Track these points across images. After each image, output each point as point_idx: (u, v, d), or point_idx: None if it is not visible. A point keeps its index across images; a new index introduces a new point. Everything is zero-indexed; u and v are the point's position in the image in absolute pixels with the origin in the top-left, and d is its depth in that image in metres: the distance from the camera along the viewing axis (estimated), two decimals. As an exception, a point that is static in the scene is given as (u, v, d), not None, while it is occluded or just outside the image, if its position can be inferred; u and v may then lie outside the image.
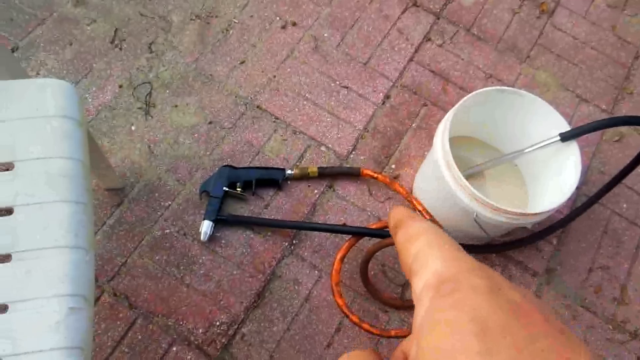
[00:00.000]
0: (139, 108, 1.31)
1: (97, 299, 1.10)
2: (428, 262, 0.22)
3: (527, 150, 1.18)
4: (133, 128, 1.28)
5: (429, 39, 1.51)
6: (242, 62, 1.40)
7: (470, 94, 1.11)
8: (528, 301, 0.20)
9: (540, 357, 0.18)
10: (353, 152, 1.33)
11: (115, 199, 1.20)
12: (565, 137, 1.11)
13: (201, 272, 1.16)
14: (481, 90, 1.13)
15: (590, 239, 1.31)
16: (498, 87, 1.15)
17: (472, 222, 1.10)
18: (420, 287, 0.22)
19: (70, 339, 0.61)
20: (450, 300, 0.20)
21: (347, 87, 1.40)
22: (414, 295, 0.22)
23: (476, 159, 1.29)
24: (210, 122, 1.31)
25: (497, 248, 1.24)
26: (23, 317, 0.61)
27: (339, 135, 1.34)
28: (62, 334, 0.61)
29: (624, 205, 1.36)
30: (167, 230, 1.19)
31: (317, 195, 1.27)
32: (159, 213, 1.20)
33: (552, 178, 1.17)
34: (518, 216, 1.05)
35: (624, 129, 1.45)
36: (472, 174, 1.27)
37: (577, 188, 1.36)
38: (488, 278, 0.21)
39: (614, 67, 1.55)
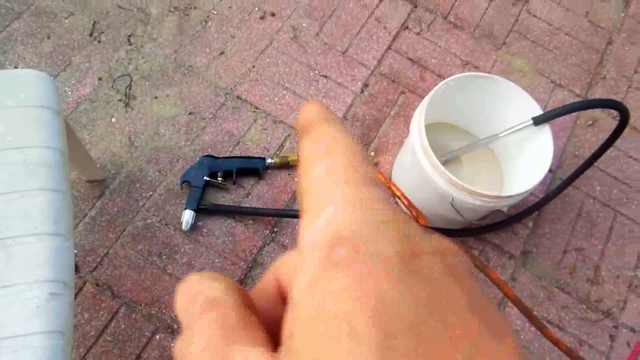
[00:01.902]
0: (119, 100, 1.31)
1: (79, 290, 1.11)
2: (323, 200, 0.16)
3: (501, 135, 1.20)
4: (113, 120, 1.29)
5: (407, 27, 1.53)
6: (222, 53, 1.41)
7: (444, 80, 1.13)
8: (452, 274, 0.15)
9: None
10: (333, 140, 1.34)
11: (96, 191, 1.21)
12: (538, 121, 1.14)
13: (183, 260, 1.17)
14: (456, 76, 1.15)
15: (564, 221, 1.34)
16: (473, 73, 1.17)
17: (449, 207, 1.12)
18: (309, 238, 0.16)
19: (51, 324, 0.62)
20: (346, 277, 0.14)
21: (326, 76, 1.42)
22: (300, 243, 0.17)
23: (453, 145, 1.32)
24: (190, 113, 1.32)
25: (474, 232, 1.27)
26: (4, 302, 0.62)
27: (319, 124, 1.35)
28: (43, 319, 0.62)
29: (597, 188, 1.39)
30: (149, 221, 1.20)
31: (298, 183, 1.28)
32: (140, 203, 1.21)
33: (526, 162, 1.20)
34: (493, 199, 1.07)
35: (597, 113, 1.49)
36: (448, 159, 1.29)
37: (552, 171, 1.40)
38: (402, 239, 0.15)
39: (588, 53, 1.58)
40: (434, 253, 0.15)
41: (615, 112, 1.24)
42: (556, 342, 1.07)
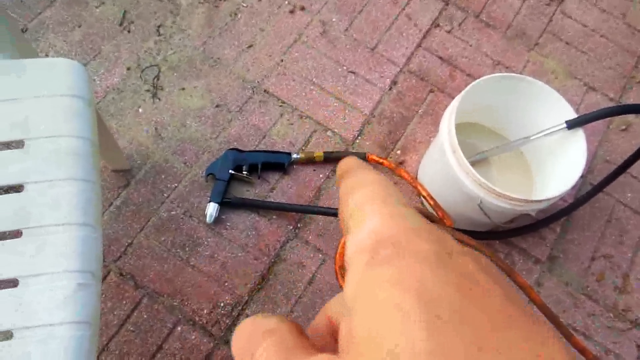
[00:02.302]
0: (147, 90, 1.32)
1: (103, 279, 1.12)
2: (365, 217, 0.18)
3: (532, 137, 1.18)
4: (140, 110, 1.29)
5: (438, 25, 1.51)
6: (250, 46, 1.40)
7: (477, 80, 1.11)
8: (485, 272, 0.17)
9: (503, 347, 0.14)
10: (359, 138, 1.33)
11: (122, 181, 1.22)
12: (571, 125, 1.11)
13: (206, 253, 1.17)
14: (488, 76, 1.13)
15: (593, 227, 1.31)
16: (505, 74, 1.14)
17: (476, 208, 1.10)
18: (354, 248, 0.18)
19: (79, 314, 0.62)
20: (390, 270, 0.16)
21: (354, 73, 1.40)
22: (346, 257, 0.18)
23: (482, 146, 1.29)
24: (217, 106, 1.32)
25: (501, 235, 1.25)
26: (33, 291, 0.62)
27: (345, 120, 1.34)
28: (71, 309, 0.62)
29: (629, 195, 1.36)
30: (173, 212, 1.20)
31: (323, 180, 1.27)
32: (165, 195, 1.21)
33: (558, 166, 1.17)
34: (522, 203, 1.05)
35: (631, 117, 1.45)
36: (477, 161, 1.27)
37: (582, 176, 1.37)
38: (436, 241, 0.17)
39: (623, 56, 1.54)
40: (464, 253, 0.17)
41: (651, 118, 1.20)
42: (582, 351, 1.04)
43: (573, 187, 1.31)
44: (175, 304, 1.12)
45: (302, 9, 1.47)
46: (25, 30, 1.34)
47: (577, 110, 1.42)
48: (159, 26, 1.39)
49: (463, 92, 1.10)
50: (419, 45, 1.47)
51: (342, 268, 1.11)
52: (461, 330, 0.14)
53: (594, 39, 1.55)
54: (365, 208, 0.19)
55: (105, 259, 1.14)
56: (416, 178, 1.31)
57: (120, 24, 1.38)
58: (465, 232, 1.16)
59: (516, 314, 0.15)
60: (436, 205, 1.21)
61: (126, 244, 1.16)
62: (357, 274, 0.17)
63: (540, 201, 1.06)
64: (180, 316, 1.11)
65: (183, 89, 1.33)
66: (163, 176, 1.23)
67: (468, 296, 0.15)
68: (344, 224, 0.20)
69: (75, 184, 0.69)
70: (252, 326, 0.20)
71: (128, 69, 1.33)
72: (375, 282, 0.16)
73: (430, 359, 0.14)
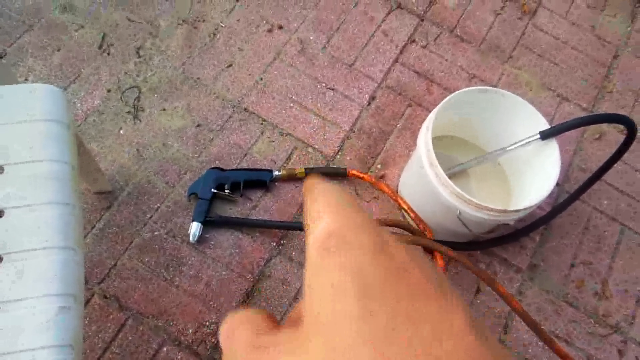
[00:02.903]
0: (128, 112, 1.32)
1: (87, 301, 1.12)
2: (320, 217, 0.22)
3: (508, 149, 1.20)
4: (122, 132, 1.30)
5: (413, 41, 1.54)
6: (229, 66, 1.42)
7: (452, 94, 1.14)
8: (413, 260, 0.20)
9: (417, 316, 0.18)
10: (339, 153, 1.35)
11: (104, 203, 1.22)
12: (545, 135, 1.14)
13: (190, 273, 1.17)
14: (463, 90, 1.15)
15: (572, 235, 1.34)
16: (480, 87, 1.17)
17: (455, 220, 1.12)
18: (310, 243, 0.22)
19: (61, 337, 0.62)
20: (335, 259, 0.20)
21: (333, 89, 1.43)
22: (306, 252, 0.22)
23: (460, 158, 1.32)
24: (198, 125, 1.33)
25: (481, 245, 1.27)
26: (14, 316, 0.62)
27: (326, 137, 1.36)
28: (53, 332, 0.62)
29: (605, 202, 1.39)
30: (157, 233, 1.20)
31: (305, 196, 1.28)
32: (148, 215, 1.22)
33: (534, 176, 1.20)
34: (500, 213, 1.07)
35: (604, 126, 1.49)
36: (455, 173, 1.29)
37: (559, 185, 1.40)
38: (376, 234, 0.21)
39: (594, 67, 1.58)
40: (398, 246, 0.21)
41: (622, 126, 1.24)
42: (564, 357, 1.06)
43: (550, 196, 1.34)
44: (160, 324, 1.12)
45: (280, 27, 1.49)
46: (4, 55, 1.34)
47: (551, 121, 1.46)
48: (138, 48, 1.41)
49: (438, 106, 1.12)
50: (395, 61, 1.50)
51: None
52: (386, 302, 0.18)
53: (565, 51, 1.60)
54: (321, 211, 0.22)
55: (88, 281, 1.14)
56: (397, 191, 1.33)
57: (100, 47, 1.39)
58: (445, 243, 1.18)
59: (433, 291, 0.19)
60: (417, 218, 1.23)
61: (110, 265, 1.16)
62: (311, 264, 0.21)
63: (517, 211, 1.08)
64: (165, 337, 1.11)
65: (164, 109, 1.34)
66: (145, 197, 1.24)
67: (396, 276, 0.19)
68: (307, 228, 0.23)
69: (54, 207, 0.70)
70: (232, 317, 0.24)
71: (108, 91, 1.34)
72: (324, 268, 0.20)
73: (359, 322, 0.18)
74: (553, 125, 1.14)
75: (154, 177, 1.26)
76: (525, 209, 1.08)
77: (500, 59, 1.55)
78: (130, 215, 1.21)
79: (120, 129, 1.30)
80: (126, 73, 1.37)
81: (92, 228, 1.19)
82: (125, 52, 1.39)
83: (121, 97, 1.34)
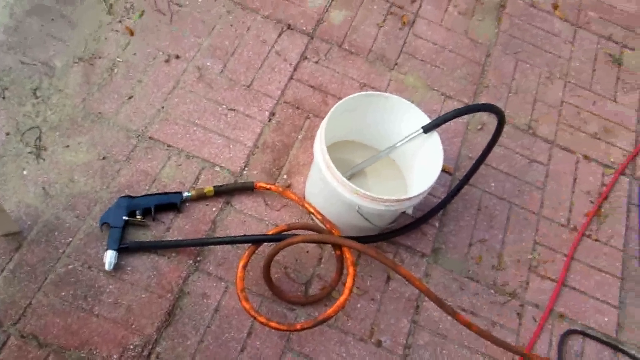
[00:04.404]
0: (30, 152, 1.33)
1: (3, 344, 1.11)
2: None
3: (397, 145, 1.32)
4: (25, 172, 1.30)
5: (306, 58, 1.64)
6: (130, 98, 1.46)
7: (339, 102, 1.23)
8: None
9: None
10: (246, 169, 1.42)
11: (13, 244, 1.21)
12: (427, 129, 1.26)
13: (110, 300, 1.19)
14: (350, 96, 1.26)
15: (467, 217, 1.47)
16: (364, 93, 1.28)
17: (357, 215, 1.21)
18: None
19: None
20: None
21: (234, 110, 1.50)
22: None
23: (358, 160, 1.42)
24: (103, 158, 1.36)
25: (386, 236, 1.36)
26: None
27: (231, 155, 1.42)
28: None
29: (492, 184, 1.54)
30: (71, 266, 1.21)
31: (216, 213, 1.34)
32: (60, 250, 1.22)
33: (422, 166, 1.31)
34: (394, 203, 1.17)
35: (485, 117, 1.64)
36: (354, 173, 1.39)
37: (451, 174, 1.53)
38: None
39: (471, 66, 1.75)
40: None
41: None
42: (468, 325, 1.16)
43: (443, 184, 1.47)
44: (83, 355, 1.13)
45: (177, 57, 1.55)
46: None
47: (437, 117, 1.60)
48: (35, 89, 1.42)
49: (328, 114, 1.22)
50: (291, 78, 1.59)
51: (243, 291, 1.17)
52: None
53: (444, 54, 1.76)
54: None
55: (3, 324, 1.13)
56: (304, 197, 1.41)
57: (-6, 92, 1.39)
58: (353, 238, 1.26)
59: None
60: (324, 219, 1.31)
61: (24, 305, 1.15)
62: None
63: (409, 198, 1.19)
64: (89, 367, 1.12)
65: (67, 146, 1.36)
66: (56, 233, 1.24)
67: None
68: None
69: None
70: None
71: (7, 134, 1.34)
72: None
73: None
74: (432, 119, 1.26)
75: (63, 212, 1.27)
76: (416, 195, 1.19)
77: (387, 66, 1.69)
78: (42, 252, 1.21)
79: (24, 169, 1.30)
80: (24, 115, 1.37)
81: (3, 270, 1.18)
82: (22, 95, 1.40)
83: (21, 139, 1.34)
